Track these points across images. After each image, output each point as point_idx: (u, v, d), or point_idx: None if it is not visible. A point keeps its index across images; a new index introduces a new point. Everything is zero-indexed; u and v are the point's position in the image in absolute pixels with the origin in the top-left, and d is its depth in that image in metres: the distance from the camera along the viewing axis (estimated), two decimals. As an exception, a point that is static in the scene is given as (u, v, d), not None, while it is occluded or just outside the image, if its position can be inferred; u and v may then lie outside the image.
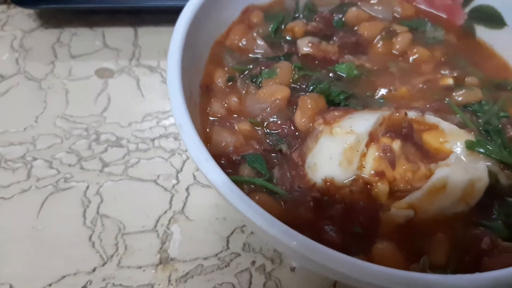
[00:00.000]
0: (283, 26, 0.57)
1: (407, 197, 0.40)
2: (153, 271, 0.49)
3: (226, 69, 0.52)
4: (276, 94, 0.48)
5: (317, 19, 0.56)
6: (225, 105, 0.49)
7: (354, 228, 0.40)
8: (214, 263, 0.50)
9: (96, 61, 0.68)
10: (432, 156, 0.43)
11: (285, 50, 0.54)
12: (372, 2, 0.60)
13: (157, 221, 0.53)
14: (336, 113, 0.45)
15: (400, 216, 0.40)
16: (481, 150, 0.43)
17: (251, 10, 0.57)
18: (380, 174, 0.41)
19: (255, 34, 0.55)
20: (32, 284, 0.48)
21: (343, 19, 0.57)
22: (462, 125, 0.46)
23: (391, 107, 0.47)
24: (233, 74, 0.52)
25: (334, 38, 0.55)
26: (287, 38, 0.56)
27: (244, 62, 0.53)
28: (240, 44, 0.54)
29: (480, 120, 0.48)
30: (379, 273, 0.33)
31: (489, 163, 0.43)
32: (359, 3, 0.60)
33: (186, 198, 0.55)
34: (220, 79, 0.51)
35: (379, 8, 0.59)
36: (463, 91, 0.50)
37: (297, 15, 0.58)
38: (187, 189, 0.55)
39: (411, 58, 0.54)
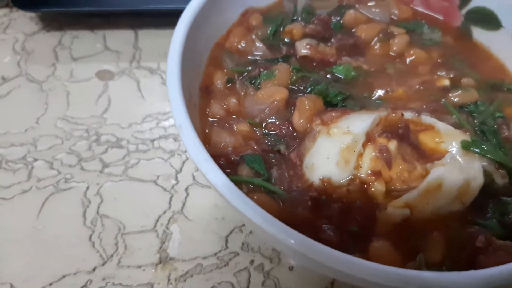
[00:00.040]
0: (281, 29, 0.57)
1: (404, 196, 0.41)
2: (153, 270, 0.50)
3: (225, 71, 0.53)
4: (275, 95, 0.49)
5: (315, 22, 0.57)
6: (224, 106, 0.49)
7: (351, 227, 0.40)
8: (213, 263, 0.50)
9: (97, 63, 0.69)
10: (428, 156, 0.44)
11: (284, 52, 0.55)
12: (369, 4, 0.61)
13: (157, 221, 0.53)
14: (333, 114, 0.46)
15: (396, 215, 0.40)
16: (477, 150, 0.44)
17: (250, 13, 0.58)
18: (376, 174, 0.41)
19: (254, 37, 0.55)
20: (32, 283, 0.49)
21: (341, 21, 0.58)
22: (458, 126, 0.47)
23: (388, 108, 0.48)
24: (232, 75, 0.52)
25: (332, 40, 0.56)
26: (286, 40, 0.56)
27: (243, 64, 0.53)
28: (239, 46, 0.55)
29: (475, 121, 0.49)
30: (376, 271, 0.33)
31: (484, 163, 0.44)
32: (356, 6, 0.60)
33: (186, 198, 0.55)
34: (219, 81, 0.51)
35: (377, 10, 0.60)
36: (459, 92, 0.51)
37: (295, 18, 0.59)
38: (186, 190, 0.56)
39: (408, 60, 0.55)
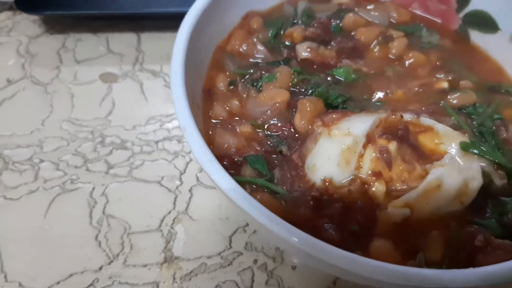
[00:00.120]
0: (282, 32, 0.58)
1: (403, 196, 0.42)
2: (158, 269, 0.51)
3: (227, 73, 0.54)
4: (276, 97, 0.49)
5: (315, 25, 0.57)
6: (227, 108, 0.50)
7: (352, 226, 0.41)
8: (217, 262, 0.51)
9: (100, 66, 0.70)
10: (428, 157, 0.45)
11: (285, 55, 0.55)
12: (368, 8, 0.61)
13: (162, 221, 0.54)
14: (334, 116, 0.47)
15: (396, 214, 0.41)
16: (475, 151, 0.44)
17: (251, 16, 0.59)
18: (377, 174, 0.42)
19: (255, 40, 0.56)
20: (40, 282, 0.50)
21: (341, 24, 0.59)
22: (456, 127, 0.48)
23: (387, 109, 0.48)
24: (234, 78, 0.53)
25: (332, 43, 0.56)
26: (286, 43, 0.57)
27: (244, 67, 0.54)
28: (241, 49, 0.56)
29: (474, 122, 0.49)
30: (377, 268, 0.34)
31: (483, 164, 0.44)
32: (356, 9, 0.61)
33: (190, 198, 0.56)
34: (221, 83, 0.52)
35: (376, 13, 0.61)
36: (458, 94, 0.52)
37: (295, 21, 0.60)
38: (190, 190, 0.57)
39: (407, 62, 0.56)
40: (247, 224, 0.53)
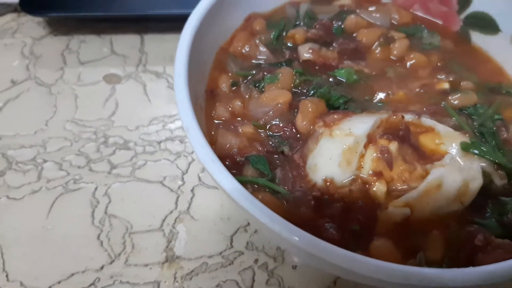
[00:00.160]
0: (284, 33, 0.58)
1: (404, 196, 0.42)
2: (159, 268, 0.51)
3: (230, 74, 0.54)
4: (278, 98, 0.50)
5: (317, 26, 0.58)
6: (229, 109, 0.50)
7: (352, 226, 0.41)
8: (218, 261, 0.51)
9: (104, 67, 0.70)
10: (428, 157, 0.45)
11: (287, 56, 0.56)
12: (370, 9, 0.62)
13: (163, 220, 0.54)
14: (335, 116, 0.47)
15: (397, 214, 0.41)
16: (476, 151, 0.45)
17: (253, 18, 0.59)
18: (378, 174, 0.43)
19: (257, 41, 0.57)
20: (42, 281, 0.50)
21: (342, 26, 0.59)
22: (457, 128, 0.48)
23: (388, 110, 0.49)
24: (237, 79, 0.53)
25: (334, 45, 0.57)
26: (289, 44, 0.58)
27: (247, 68, 0.55)
28: (243, 51, 0.56)
29: (475, 123, 0.49)
30: (378, 267, 0.34)
31: (483, 164, 0.45)
32: (357, 11, 0.61)
33: (191, 198, 0.56)
34: (224, 84, 0.53)
35: (377, 15, 0.61)
36: (459, 95, 0.52)
37: (298, 23, 0.60)
38: (192, 190, 0.57)
39: (408, 64, 0.56)
40: (248, 224, 0.54)
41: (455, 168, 0.43)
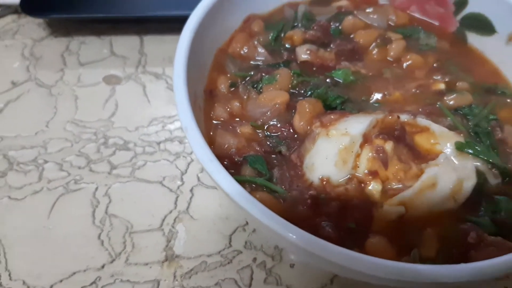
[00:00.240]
0: (282, 35, 0.59)
1: (399, 194, 0.43)
2: (159, 267, 0.51)
3: (228, 75, 0.55)
4: (276, 99, 0.50)
5: (315, 28, 0.58)
6: (228, 109, 0.51)
7: (348, 224, 0.42)
8: (217, 260, 0.52)
9: (104, 69, 0.71)
10: (423, 157, 0.46)
11: (285, 57, 0.56)
12: (367, 10, 0.62)
13: (163, 220, 0.55)
14: (332, 117, 0.47)
15: (392, 212, 0.42)
16: (470, 151, 0.45)
17: (252, 19, 0.60)
18: (373, 174, 0.43)
19: (256, 42, 0.57)
20: (43, 280, 0.50)
21: (340, 27, 0.59)
22: (452, 128, 0.48)
23: (385, 110, 0.49)
24: (235, 80, 0.54)
25: (331, 46, 0.57)
26: (287, 46, 0.58)
27: (245, 69, 0.55)
28: (242, 52, 0.57)
29: (470, 123, 0.50)
30: (373, 264, 0.35)
31: (478, 163, 0.45)
32: (355, 12, 0.62)
33: (191, 198, 0.57)
34: (223, 85, 0.53)
35: (375, 16, 0.62)
36: (454, 95, 0.52)
37: (296, 24, 0.61)
38: (191, 190, 0.58)
39: (404, 64, 0.57)
40: (247, 223, 0.54)
41: (449, 167, 0.44)
